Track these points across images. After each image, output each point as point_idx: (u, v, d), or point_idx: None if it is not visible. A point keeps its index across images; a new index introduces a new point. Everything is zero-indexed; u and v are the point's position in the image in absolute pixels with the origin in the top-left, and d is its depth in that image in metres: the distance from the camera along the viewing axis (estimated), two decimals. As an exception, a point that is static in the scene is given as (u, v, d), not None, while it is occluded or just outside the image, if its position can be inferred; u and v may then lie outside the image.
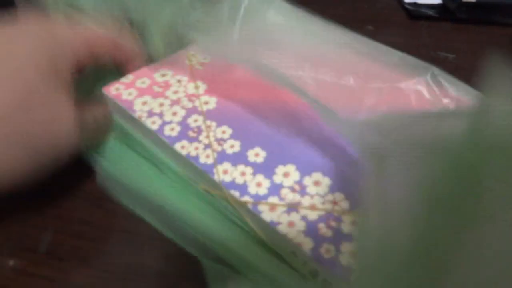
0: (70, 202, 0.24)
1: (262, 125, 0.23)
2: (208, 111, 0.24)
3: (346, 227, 0.18)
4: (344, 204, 0.19)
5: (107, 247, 0.22)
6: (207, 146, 0.22)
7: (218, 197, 0.21)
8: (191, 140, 0.22)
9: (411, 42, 0.38)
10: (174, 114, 0.24)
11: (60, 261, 0.21)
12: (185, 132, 0.23)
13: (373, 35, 0.32)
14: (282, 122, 0.23)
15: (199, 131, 0.23)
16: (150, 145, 0.25)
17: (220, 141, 0.22)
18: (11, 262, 0.21)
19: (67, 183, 0.24)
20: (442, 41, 0.38)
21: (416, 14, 0.40)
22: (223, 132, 0.23)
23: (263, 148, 0.22)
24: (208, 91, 0.25)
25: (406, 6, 0.41)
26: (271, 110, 0.24)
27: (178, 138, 0.22)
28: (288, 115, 0.24)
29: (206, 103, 0.24)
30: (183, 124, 0.23)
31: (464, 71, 0.27)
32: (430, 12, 0.40)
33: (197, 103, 0.24)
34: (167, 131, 0.23)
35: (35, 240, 0.22)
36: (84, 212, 0.23)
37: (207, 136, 0.22)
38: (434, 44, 0.38)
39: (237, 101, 0.25)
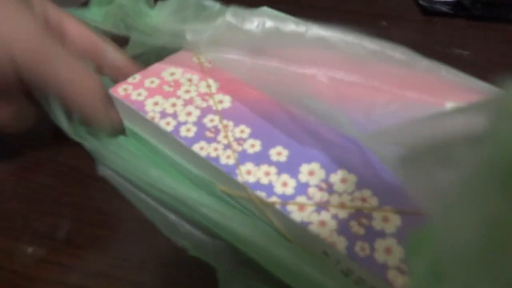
0: (86, 191, 0.26)
1: (281, 122, 0.24)
2: (224, 110, 0.25)
3: (377, 224, 0.19)
4: (373, 201, 0.20)
5: (124, 236, 0.23)
6: (227, 146, 0.23)
7: (238, 198, 0.22)
8: (209, 140, 0.23)
9: (425, 38, 0.40)
10: (189, 114, 0.24)
11: (78, 249, 0.23)
12: (202, 132, 0.23)
13: (387, 31, 0.34)
14: (301, 119, 0.24)
15: (216, 131, 0.23)
16: (164, 148, 0.25)
17: (240, 140, 0.23)
18: (30, 250, 0.23)
19: (83, 171, 0.26)
20: (457, 38, 0.39)
21: (430, 10, 0.42)
22: (242, 131, 0.23)
23: (284, 147, 0.22)
24: (221, 90, 0.26)
25: (421, 2, 0.43)
26: (289, 107, 0.25)
27: (196, 139, 0.23)
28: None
29: (221, 102, 0.25)
30: (199, 124, 0.24)
31: (479, 68, 0.28)
32: (445, 9, 0.42)
33: (211, 102, 0.25)
34: (183, 132, 0.23)
35: (53, 228, 0.24)
36: (100, 201, 0.25)
37: (226, 136, 0.23)
38: (449, 41, 0.39)
39: (252, 99, 0.25)
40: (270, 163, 0.22)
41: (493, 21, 0.40)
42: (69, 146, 0.26)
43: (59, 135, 0.25)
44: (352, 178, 0.21)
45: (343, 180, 0.21)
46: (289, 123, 0.24)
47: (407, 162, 0.15)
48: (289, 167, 0.22)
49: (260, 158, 0.22)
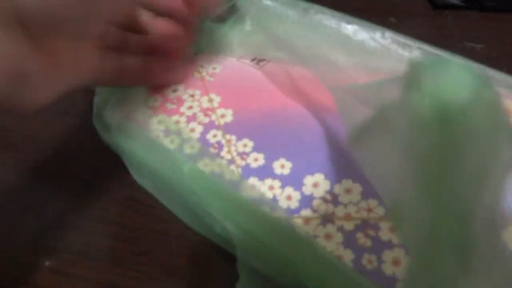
0: (102, 204, 0.27)
1: (283, 134, 0.24)
2: (226, 124, 0.25)
3: (384, 235, 0.19)
4: (379, 211, 0.20)
5: (139, 248, 0.24)
6: (231, 161, 0.23)
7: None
8: (213, 156, 0.23)
9: (436, 33, 0.39)
10: (192, 130, 0.25)
11: (94, 261, 0.24)
12: (205, 149, 0.24)
13: (397, 28, 0.34)
14: (302, 129, 0.24)
15: (219, 146, 0.24)
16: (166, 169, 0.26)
17: (243, 155, 0.23)
18: (47, 263, 0.24)
19: (99, 185, 0.27)
20: (469, 31, 0.39)
21: (440, 4, 0.41)
22: (245, 145, 0.24)
23: (288, 159, 0.23)
24: (223, 103, 0.27)
25: None
26: (290, 117, 0.25)
27: (200, 155, 0.24)
28: (308, 122, 0.25)
29: (223, 116, 0.26)
30: (203, 140, 0.24)
31: (494, 60, 0.29)
32: (455, 1, 0.41)
33: (213, 117, 0.26)
34: (187, 149, 0.24)
35: (69, 240, 0.25)
36: (116, 213, 0.26)
37: (229, 151, 0.24)
38: (461, 35, 0.38)
39: (253, 111, 0.26)
40: (274, 176, 0.22)
41: (506, 12, 0.40)
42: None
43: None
44: (357, 187, 0.21)
45: (348, 191, 0.21)
46: (291, 134, 0.24)
47: (357, 141, 0.18)
48: (293, 180, 0.22)
49: (264, 172, 0.22)
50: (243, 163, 0.23)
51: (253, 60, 0.29)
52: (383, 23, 0.30)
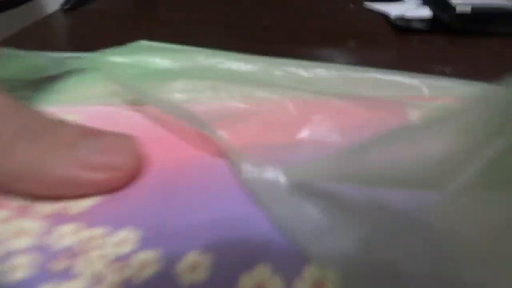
0: None
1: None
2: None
3: None
4: None
5: None
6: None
7: None
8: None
9: (401, 57, 0.35)
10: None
11: None
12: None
13: (356, 52, 0.32)
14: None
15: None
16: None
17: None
18: None
19: None
20: (437, 54, 0.35)
21: (405, 28, 0.38)
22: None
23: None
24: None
25: (392, 20, 0.38)
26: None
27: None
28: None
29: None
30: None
31: None
32: (421, 26, 0.38)
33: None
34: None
35: None
36: None
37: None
38: (428, 58, 0.35)
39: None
40: None
41: (474, 35, 0.37)
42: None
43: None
44: None
45: None
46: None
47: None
48: None
49: None
50: None
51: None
52: (342, 47, 0.25)
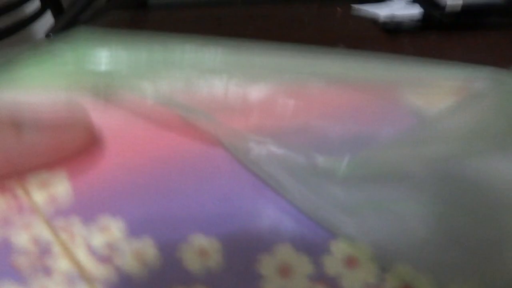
0: None
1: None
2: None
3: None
4: None
5: None
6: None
7: None
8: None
9: (394, 56, 0.33)
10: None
11: None
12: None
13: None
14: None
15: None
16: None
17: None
18: None
19: None
20: (431, 50, 0.35)
21: (395, 28, 0.37)
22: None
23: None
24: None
25: (382, 21, 0.38)
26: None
27: None
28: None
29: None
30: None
31: None
32: (411, 25, 0.37)
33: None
34: None
35: None
36: None
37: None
38: (421, 55, 0.33)
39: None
40: None
41: (466, 29, 0.37)
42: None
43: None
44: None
45: None
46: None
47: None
48: None
49: None
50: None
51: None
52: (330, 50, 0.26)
